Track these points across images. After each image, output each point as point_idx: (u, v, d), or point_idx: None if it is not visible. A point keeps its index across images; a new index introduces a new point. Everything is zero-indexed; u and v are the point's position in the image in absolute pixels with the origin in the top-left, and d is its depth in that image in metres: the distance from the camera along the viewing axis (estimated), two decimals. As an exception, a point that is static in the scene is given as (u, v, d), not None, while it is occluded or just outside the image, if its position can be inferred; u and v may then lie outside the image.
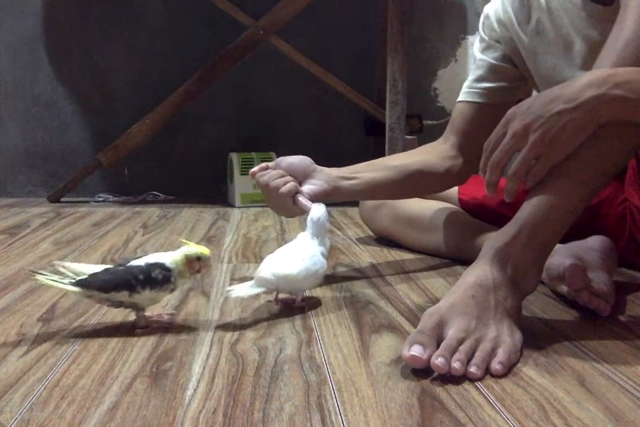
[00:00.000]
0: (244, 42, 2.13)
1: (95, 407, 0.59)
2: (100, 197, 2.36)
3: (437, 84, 2.44)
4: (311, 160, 1.07)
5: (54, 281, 0.77)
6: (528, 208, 0.77)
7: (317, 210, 0.95)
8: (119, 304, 0.80)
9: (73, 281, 0.77)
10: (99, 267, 0.80)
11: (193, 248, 0.81)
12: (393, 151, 1.91)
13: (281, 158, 1.06)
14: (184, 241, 0.83)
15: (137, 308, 0.81)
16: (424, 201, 1.30)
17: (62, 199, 2.26)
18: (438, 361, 0.65)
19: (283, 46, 2.23)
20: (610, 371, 0.68)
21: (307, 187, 1.03)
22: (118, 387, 0.63)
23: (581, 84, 0.75)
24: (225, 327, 0.83)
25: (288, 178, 1.01)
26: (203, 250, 0.82)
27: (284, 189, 0.99)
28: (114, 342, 0.76)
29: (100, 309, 0.90)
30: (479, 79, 1.13)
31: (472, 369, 0.65)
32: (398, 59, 1.98)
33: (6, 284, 1.04)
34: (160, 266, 0.80)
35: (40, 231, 1.60)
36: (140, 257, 0.83)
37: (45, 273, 0.78)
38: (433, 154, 1.16)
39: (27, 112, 2.41)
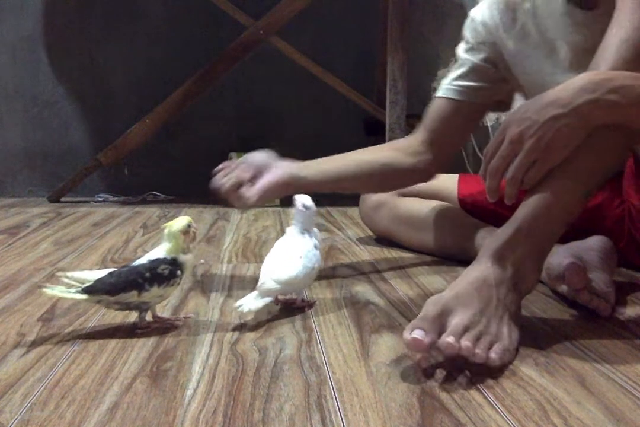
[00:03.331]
0: (244, 42, 2.13)
1: (95, 407, 0.59)
2: (100, 197, 2.36)
3: (437, 84, 2.44)
4: (273, 155, 1.06)
5: (61, 291, 0.77)
6: (525, 208, 0.77)
7: (304, 199, 0.93)
8: (128, 306, 0.80)
9: (79, 289, 0.77)
10: (103, 272, 0.80)
11: (176, 224, 0.82)
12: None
13: (247, 154, 1.05)
14: (163, 225, 0.83)
15: (145, 307, 0.81)
16: (423, 201, 1.30)
17: (62, 199, 2.26)
18: (449, 338, 0.65)
19: (283, 46, 2.23)
20: (610, 371, 0.68)
21: (260, 180, 1.01)
22: (118, 387, 0.63)
23: (575, 88, 0.75)
24: (225, 327, 0.83)
25: (231, 174, 1.00)
26: (184, 219, 0.82)
27: (225, 186, 0.99)
28: (114, 342, 0.76)
29: (100, 309, 0.90)
30: (460, 77, 1.12)
31: (478, 350, 0.66)
32: (398, 59, 1.99)
33: (6, 284, 1.04)
34: (163, 261, 0.80)
35: (40, 230, 1.60)
36: (139, 257, 0.83)
37: (50, 286, 0.77)
38: (401, 150, 1.15)
39: (27, 112, 2.42)
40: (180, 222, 0.82)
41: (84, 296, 0.77)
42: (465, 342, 0.65)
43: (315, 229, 0.95)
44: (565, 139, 0.75)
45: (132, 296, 0.78)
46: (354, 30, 2.46)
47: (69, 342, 0.77)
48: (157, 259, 0.80)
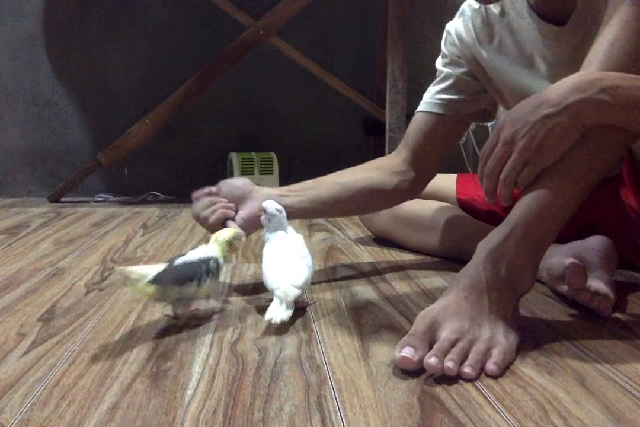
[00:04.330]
0: (244, 42, 2.13)
1: (95, 407, 0.59)
2: (100, 197, 2.36)
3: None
4: (251, 182, 1.03)
5: (128, 282, 0.77)
6: (520, 208, 0.77)
7: (274, 204, 0.93)
8: (184, 297, 0.82)
9: (144, 281, 0.77)
10: (158, 267, 0.80)
11: (224, 234, 0.88)
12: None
13: (223, 181, 1.02)
14: (219, 235, 0.88)
15: (188, 302, 0.84)
16: (422, 202, 1.30)
17: (62, 199, 2.26)
18: (431, 360, 0.65)
19: (283, 46, 2.23)
20: (610, 371, 0.68)
21: (241, 212, 0.98)
22: (118, 387, 0.63)
23: (567, 88, 0.75)
24: (225, 327, 0.83)
25: (217, 206, 0.97)
26: (231, 231, 0.90)
27: (211, 219, 0.96)
28: (114, 342, 0.76)
29: (101, 309, 0.90)
30: (441, 91, 1.12)
31: (466, 369, 0.65)
32: (398, 59, 1.99)
33: (6, 284, 1.04)
34: (211, 259, 0.85)
35: (40, 230, 1.60)
36: (181, 255, 0.85)
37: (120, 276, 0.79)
38: (382, 169, 1.12)
39: (27, 112, 2.42)
40: (228, 233, 0.89)
41: (153, 287, 0.77)
42: (448, 364, 0.65)
43: (289, 227, 0.95)
44: (558, 138, 0.75)
45: (193, 287, 0.81)
46: (354, 30, 2.46)
47: (69, 342, 0.77)
48: (209, 257, 0.85)
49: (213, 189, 1.01)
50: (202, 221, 0.98)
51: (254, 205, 0.99)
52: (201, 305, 0.90)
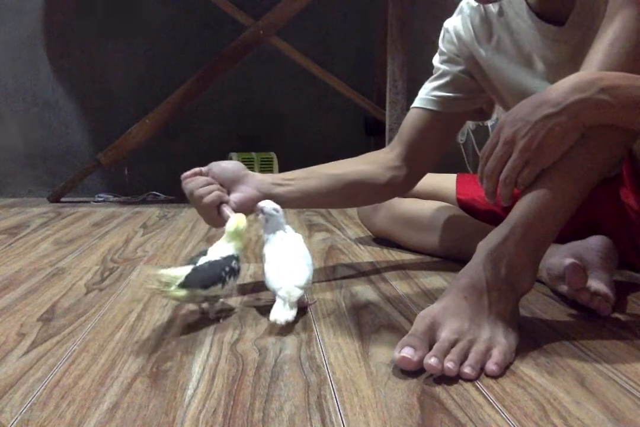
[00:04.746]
0: (244, 42, 2.13)
1: (95, 407, 0.59)
2: (100, 197, 2.36)
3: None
4: (244, 166, 1.02)
5: (161, 290, 0.78)
6: (520, 208, 0.77)
7: (271, 204, 0.93)
8: (207, 299, 0.84)
9: (175, 285, 0.78)
10: (185, 269, 0.81)
11: (242, 223, 0.89)
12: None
13: (214, 163, 1.01)
14: (237, 225, 0.89)
15: (216, 300, 0.85)
16: (422, 202, 1.30)
17: (62, 199, 2.26)
18: (431, 360, 0.65)
19: (283, 46, 2.23)
20: (610, 371, 0.68)
21: (234, 196, 0.97)
22: (118, 387, 0.63)
23: (567, 87, 0.75)
24: (225, 327, 0.83)
25: (213, 187, 0.96)
26: (244, 219, 0.91)
27: (207, 199, 0.95)
28: (114, 342, 0.76)
29: (101, 309, 0.90)
30: (437, 88, 1.11)
31: (466, 369, 0.65)
32: (398, 59, 1.99)
33: (6, 284, 1.04)
34: (232, 257, 0.87)
35: (40, 230, 1.60)
36: (202, 253, 0.87)
37: (152, 284, 0.78)
38: (376, 164, 1.12)
39: (27, 112, 2.42)
40: (244, 221, 0.90)
41: (184, 291, 0.78)
42: (448, 364, 0.65)
43: (287, 226, 0.94)
44: (558, 138, 0.75)
45: (218, 289, 0.82)
46: (354, 30, 2.46)
47: (69, 342, 0.77)
48: (231, 256, 0.87)
49: (203, 169, 1.00)
50: (195, 198, 0.96)
51: (247, 190, 0.98)
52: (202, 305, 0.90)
